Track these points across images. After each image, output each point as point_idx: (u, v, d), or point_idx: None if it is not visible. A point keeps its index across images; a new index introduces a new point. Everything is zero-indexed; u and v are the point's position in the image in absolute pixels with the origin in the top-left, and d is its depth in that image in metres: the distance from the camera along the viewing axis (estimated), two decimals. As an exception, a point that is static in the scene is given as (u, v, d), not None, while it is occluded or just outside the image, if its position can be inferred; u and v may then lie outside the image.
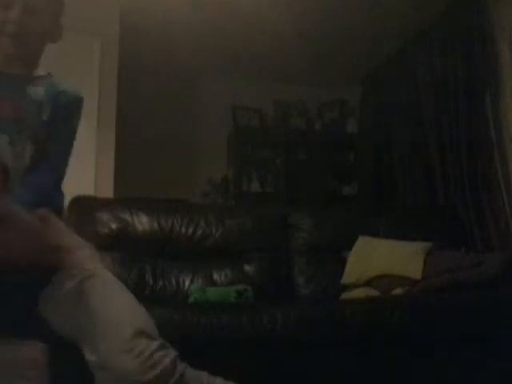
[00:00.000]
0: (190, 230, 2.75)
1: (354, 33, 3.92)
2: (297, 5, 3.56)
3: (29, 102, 1.40)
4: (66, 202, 1.66)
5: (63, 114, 1.46)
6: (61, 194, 1.55)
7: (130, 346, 1.19)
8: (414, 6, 3.50)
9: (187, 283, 2.60)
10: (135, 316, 1.27)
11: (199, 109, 4.77)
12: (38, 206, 1.38)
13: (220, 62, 4.44)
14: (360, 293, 2.56)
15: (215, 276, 2.66)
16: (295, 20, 3.71)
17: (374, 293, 2.54)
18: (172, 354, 1.25)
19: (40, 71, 1.49)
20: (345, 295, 2.62)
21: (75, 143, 1.55)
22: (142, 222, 2.70)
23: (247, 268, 2.73)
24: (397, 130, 4.09)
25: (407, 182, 3.93)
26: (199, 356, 1.81)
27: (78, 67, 3.26)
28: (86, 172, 3.35)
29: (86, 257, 1.33)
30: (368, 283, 2.62)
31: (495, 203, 3.09)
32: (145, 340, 1.21)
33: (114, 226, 2.65)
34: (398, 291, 2.46)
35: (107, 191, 3.48)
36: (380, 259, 2.65)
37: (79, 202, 2.62)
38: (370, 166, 4.46)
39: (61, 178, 1.52)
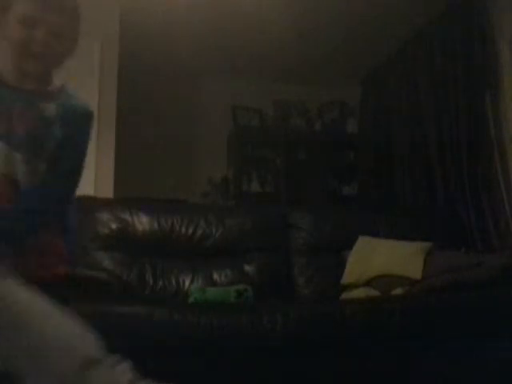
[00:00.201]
0: (190, 230, 2.75)
1: (354, 33, 3.92)
2: (297, 5, 3.55)
3: (42, 119, 1.40)
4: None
5: (74, 131, 1.45)
6: (71, 211, 1.54)
7: (81, 380, 1.06)
8: (413, 6, 3.50)
9: (187, 283, 2.60)
10: (74, 340, 1.11)
11: (199, 109, 4.77)
12: (45, 222, 1.39)
13: (220, 62, 4.44)
14: (360, 293, 2.56)
15: (215, 276, 2.66)
16: (295, 20, 3.71)
17: (374, 293, 2.54)
18: (125, 374, 1.11)
19: (54, 85, 1.48)
20: (345, 295, 2.62)
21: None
22: (142, 222, 2.70)
23: (247, 268, 2.73)
24: (397, 129, 4.09)
25: (407, 182, 3.93)
26: (199, 356, 1.82)
27: (78, 67, 3.25)
28: (86, 172, 3.32)
29: None
30: (368, 283, 2.62)
31: (495, 203, 3.09)
32: (94, 366, 1.07)
33: (114, 225, 2.65)
34: (397, 291, 2.46)
35: (107, 191, 3.48)
36: (380, 259, 2.65)
37: (79, 202, 2.62)
38: (370, 166, 4.46)
39: (71, 194, 1.51)
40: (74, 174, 1.50)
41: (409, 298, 2.27)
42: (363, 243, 2.80)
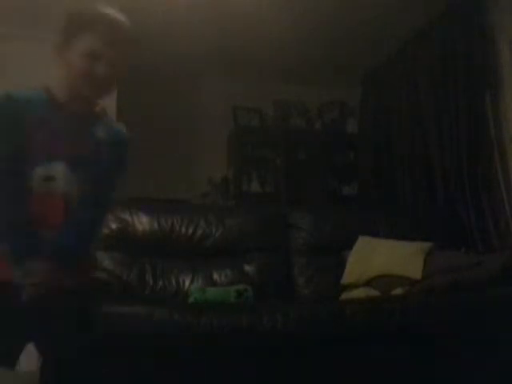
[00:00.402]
0: (190, 230, 2.76)
1: (353, 33, 3.92)
2: (297, 5, 3.55)
3: (92, 141, 1.47)
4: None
5: (118, 155, 1.54)
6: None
7: None
8: (413, 6, 3.50)
9: (187, 283, 2.60)
10: None
11: (199, 109, 4.77)
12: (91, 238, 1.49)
13: (220, 62, 4.43)
14: (360, 293, 2.56)
15: (215, 276, 2.66)
16: (295, 20, 3.70)
17: (374, 293, 2.54)
18: None
19: (99, 107, 1.54)
20: (345, 295, 2.62)
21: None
22: (142, 222, 2.70)
23: (247, 268, 2.73)
24: (397, 129, 4.09)
25: (407, 182, 3.93)
26: (199, 356, 1.82)
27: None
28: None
29: None
30: (368, 283, 2.62)
31: (495, 203, 3.09)
32: None
33: (114, 225, 2.65)
34: (398, 291, 2.46)
35: (107, 191, 3.47)
36: (380, 259, 2.65)
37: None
38: (370, 166, 4.46)
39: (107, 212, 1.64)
40: (111, 193, 1.56)
41: (409, 298, 2.27)
42: (363, 243, 2.80)
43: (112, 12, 1.47)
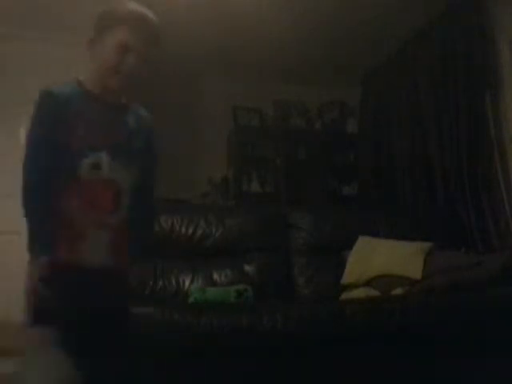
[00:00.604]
0: (190, 230, 2.76)
1: (353, 33, 3.92)
2: (297, 5, 3.55)
3: (126, 131, 1.52)
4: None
5: (148, 142, 1.58)
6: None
7: None
8: (413, 6, 3.50)
9: (187, 283, 2.60)
10: None
11: (199, 109, 4.77)
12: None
13: (220, 62, 4.44)
14: (360, 293, 2.56)
15: (215, 276, 2.66)
16: (295, 20, 3.71)
17: (374, 293, 2.54)
18: None
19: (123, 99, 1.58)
20: (345, 295, 2.62)
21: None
22: (142, 222, 2.70)
23: (247, 268, 2.73)
24: (397, 129, 4.09)
25: (407, 182, 3.93)
26: (199, 356, 1.82)
27: (79, 68, 3.25)
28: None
29: None
30: (368, 283, 2.62)
31: (495, 203, 3.09)
32: None
33: (114, 226, 2.65)
34: (398, 291, 2.46)
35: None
36: (380, 259, 2.65)
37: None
38: (370, 166, 4.46)
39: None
40: (152, 183, 1.65)
41: (409, 298, 2.27)
42: (363, 243, 2.80)
43: (143, 9, 1.53)
